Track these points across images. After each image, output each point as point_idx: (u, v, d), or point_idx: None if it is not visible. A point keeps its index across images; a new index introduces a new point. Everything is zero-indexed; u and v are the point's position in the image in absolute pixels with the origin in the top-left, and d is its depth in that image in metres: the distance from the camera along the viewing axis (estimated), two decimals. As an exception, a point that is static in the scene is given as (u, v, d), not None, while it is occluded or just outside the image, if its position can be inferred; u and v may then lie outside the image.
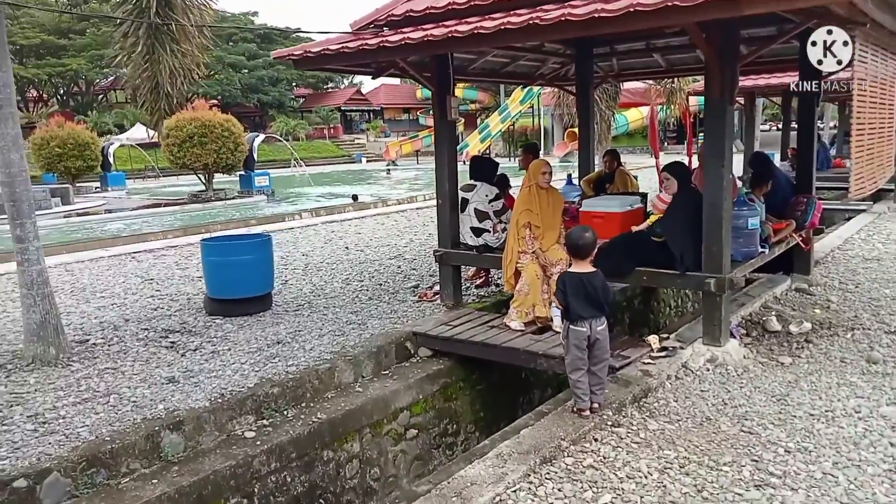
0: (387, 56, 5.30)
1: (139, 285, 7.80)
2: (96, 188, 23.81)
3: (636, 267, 5.16)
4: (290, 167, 33.89)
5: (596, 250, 4.68)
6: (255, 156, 20.28)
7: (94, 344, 5.60)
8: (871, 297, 6.36)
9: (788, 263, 7.00)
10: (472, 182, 6.29)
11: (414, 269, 8.00)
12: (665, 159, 17.03)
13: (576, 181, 8.13)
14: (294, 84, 60.37)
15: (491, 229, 6.03)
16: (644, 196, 6.78)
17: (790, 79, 11.58)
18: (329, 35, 6.05)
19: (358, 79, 71.98)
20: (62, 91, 53.11)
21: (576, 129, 12.57)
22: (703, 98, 19.27)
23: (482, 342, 5.23)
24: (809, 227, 6.69)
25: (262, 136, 22.74)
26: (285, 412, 4.57)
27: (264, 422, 4.46)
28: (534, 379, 6.06)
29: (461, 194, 6.24)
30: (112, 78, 51.94)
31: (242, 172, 20.08)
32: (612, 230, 5.70)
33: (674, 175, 5.26)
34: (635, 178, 7.86)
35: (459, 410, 5.46)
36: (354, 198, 17.54)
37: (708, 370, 4.74)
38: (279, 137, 33.45)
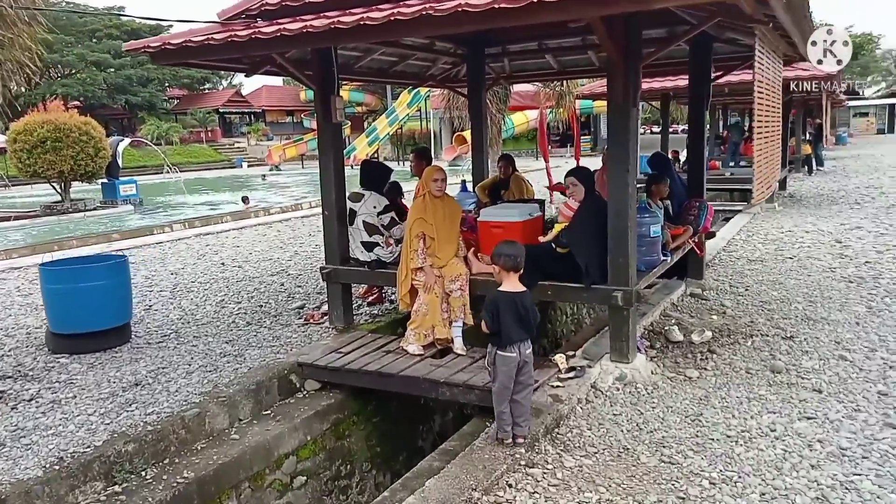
0: (260, 50, 4.64)
1: (-33, 318, 6.61)
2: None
3: (539, 280, 4.81)
4: (162, 173, 31.70)
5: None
6: (120, 162, 18.59)
7: None
8: (761, 300, 6.41)
9: (682, 268, 6.97)
10: (360, 191, 5.73)
11: (299, 287, 7.31)
12: (551, 163, 17.18)
13: (470, 187, 7.76)
14: (167, 84, 56.81)
15: (383, 243, 5.50)
16: (542, 203, 6.50)
17: (671, 83, 11.96)
18: (195, 25, 5.28)
19: (238, 79, 69.20)
20: None
21: (465, 133, 12.35)
22: (587, 102, 19.74)
23: (377, 371, 4.68)
24: (702, 232, 6.67)
25: (127, 141, 20.97)
26: (143, 473, 3.81)
27: (116, 488, 3.68)
28: (434, 404, 5.58)
29: (349, 205, 5.66)
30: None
31: (105, 180, 18.30)
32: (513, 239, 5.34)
33: (581, 181, 4.96)
34: (530, 183, 7.60)
35: (354, 448, 4.88)
36: (245, 199, 16.47)
37: (618, 390, 4.45)
38: (148, 142, 31.11)
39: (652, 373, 4.71)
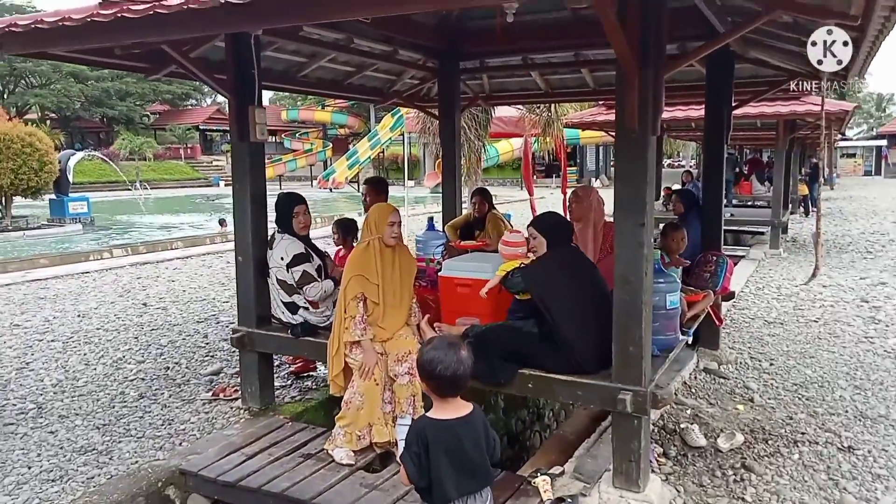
0: (134, 35, 3.33)
1: None
2: None
3: (517, 371, 3.51)
4: (130, 190, 30.22)
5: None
6: (71, 178, 17.09)
7: None
8: (794, 381, 5.15)
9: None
10: (273, 233, 4.40)
11: (224, 342, 5.94)
12: (535, 193, 16.00)
13: (438, 226, 6.48)
14: (148, 99, 55.38)
15: (308, 305, 4.18)
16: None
17: (667, 114, 10.83)
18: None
19: (221, 97, 68.05)
20: None
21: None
22: (572, 131, 18.63)
23: (284, 494, 3.32)
24: (720, 294, 5.42)
25: (80, 155, 19.53)
26: None
27: None
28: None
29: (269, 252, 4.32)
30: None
31: (54, 196, 16.82)
32: (483, 305, 4.05)
33: (542, 232, 3.69)
34: (509, 222, 6.33)
35: None
36: (221, 223, 15.07)
37: (624, 534, 3.14)
38: (102, 156, 29.75)
39: None
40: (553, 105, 10.29)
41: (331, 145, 41.41)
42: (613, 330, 3.27)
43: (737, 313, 7.28)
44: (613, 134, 4.36)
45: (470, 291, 4.15)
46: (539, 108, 10.36)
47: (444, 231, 6.29)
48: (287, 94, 56.80)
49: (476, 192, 6.27)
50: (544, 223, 3.77)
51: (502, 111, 10.98)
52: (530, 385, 3.50)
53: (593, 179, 35.12)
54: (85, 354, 5.59)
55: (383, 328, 3.77)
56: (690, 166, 27.58)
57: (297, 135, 46.09)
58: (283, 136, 53.26)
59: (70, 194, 17.10)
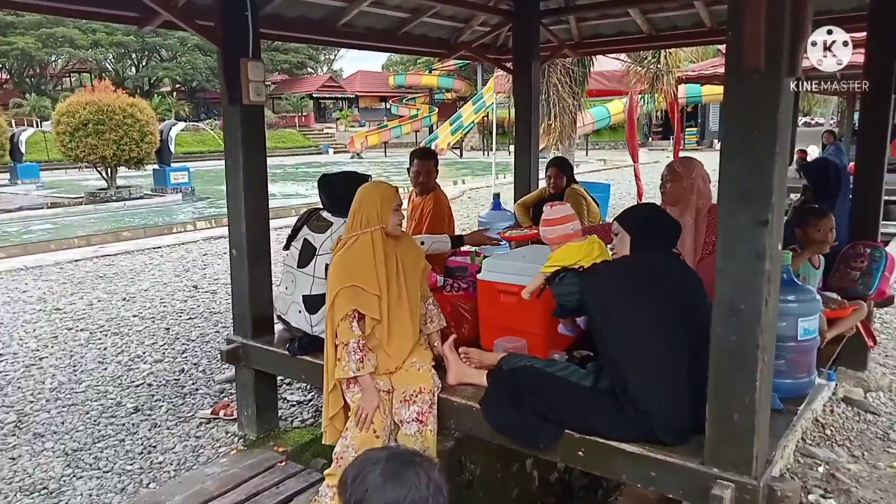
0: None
1: None
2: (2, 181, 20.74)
3: (566, 429, 2.42)
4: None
5: (488, 384, 2.43)
6: (172, 147, 17.31)
7: None
8: None
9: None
10: (325, 216, 3.42)
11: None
12: (648, 158, 14.31)
13: (507, 205, 5.38)
14: (266, 70, 57.05)
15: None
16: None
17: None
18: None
19: (338, 64, 69.12)
20: (15, 72, 49.60)
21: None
22: (693, 87, 16.52)
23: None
24: (875, 299, 3.99)
25: (180, 125, 19.80)
26: None
27: None
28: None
29: (305, 235, 3.36)
30: (67, 59, 48.75)
31: (157, 167, 17.13)
32: (535, 322, 2.97)
33: (628, 228, 2.53)
34: (595, 200, 5.11)
35: None
36: None
37: None
38: (205, 126, 30.58)
39: None
40: (663, 54, 8.73)
41: (437, 110, 40.66)
42: (709, 385, 2.10)
43: (890, 315, 5.66)
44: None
45: (517, 302, 3.08)
46: (648, 59, 8.84)
47: (513, 211, 5.20)
48: (398, 59, 56.90)
49: (551, 162, 5.10)
50: (633, 217, 2.59)
51: (603, 64, 9.53)
52: (581, 453, 2.39)
53: (715, 142, 32.11)
54: (105, 349, 5.05)
55: (390, 355, 2.79)
56: (831, 125, 24.27)
57: (403, 100, 45.67)
58: (391, 102, 53.38)
59: (172, 164, 17.35)
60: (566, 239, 2.77)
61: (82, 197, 15.82)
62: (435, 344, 2.98)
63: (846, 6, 4.62)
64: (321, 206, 3.38)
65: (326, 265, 3.15)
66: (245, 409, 3.56)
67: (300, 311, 3.28)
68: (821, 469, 3.27)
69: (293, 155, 40.51)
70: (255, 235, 3.42)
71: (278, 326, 3.52)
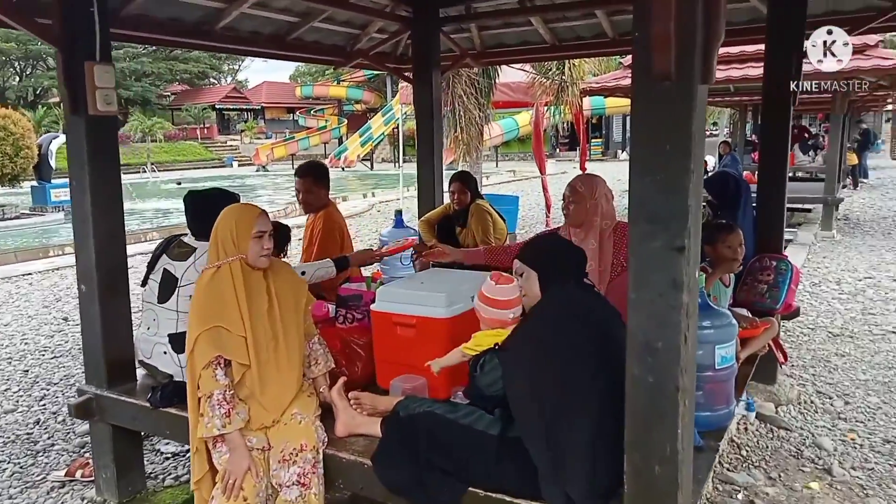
0: None
1: None
2: None
3: (470, 486, 2.10)
4: (138, 173, 29.35)
5: (382, 434, 2.17)
6: (53, 163, 15.94)
7: None
8: (885, 435, 3.67)
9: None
10: (187, 241, 2.97)
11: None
12: (556, 169, 14.39)
13: (411, 221, 5.07)
14: (164, 79, 54.52)
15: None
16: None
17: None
18: None
19: (242, 74, 66.96)
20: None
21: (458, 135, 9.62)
22: (598, 99, 16.88)
23: None
24: (782, 312, 3.93)
25: (62, 138, 18.32)
26: None
27: None
28: None
29: (164, 265, 2.90)
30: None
31: (35, 183, 15.73)
32: (430, 356, 2.64)
33: (532, 265, 2.27)
34: (501, 216, 4.88)
35: None
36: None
37: None
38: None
39: None
40: (567, 66, 8.71)
41: (346, 122, 40.08)
42: (626, 434, 1.84)
43: (791, 322, 5.74)
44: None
45: (415, 335, 2.76)
46: (552, 70, 8.79)
47: (417, 230, 4.89)
48: (305, 69, 55.74)
49: (454, 177, 4.83)
50: (536, 252, 2.35)
51: (508, 76, 9.44)
52: (485, 516, 2.09)
53: (619, 152, 33.27)
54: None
55: (265, 407, 2.39)
56: (726, 135, 25.57)
57: (311, 111, 44.77)
58: (299, 113, 52.21)
59: (53, 180, 15.97)
60: (502, 325, 2.33)
61: (-51, 217, 14.28)
62: (321, 389, 2.60)
63: (741, 18, 4.63)
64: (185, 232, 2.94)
65: (190, 296, 2.72)
66: (103, 470, 3.04)
67: (165, 353, 2.82)
68: (740, 496, 3.12)
69: (196, 168, 38.78)
70: (107, 265, 2.92)
71: (141, 372, 3.04)
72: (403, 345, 2.76)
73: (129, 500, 3.04)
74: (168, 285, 2.76)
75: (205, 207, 2.76)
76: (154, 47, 48.93)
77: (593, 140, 33.44)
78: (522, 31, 5.51)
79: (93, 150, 2.85)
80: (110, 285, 2.95)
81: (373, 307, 2.85)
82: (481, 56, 5.89)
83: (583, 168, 10.65)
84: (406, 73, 5.69)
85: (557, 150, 33.43)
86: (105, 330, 2.94)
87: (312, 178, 4.01)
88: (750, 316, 3.36)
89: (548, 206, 9.29)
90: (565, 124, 17.16)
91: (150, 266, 2.88)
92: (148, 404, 2.78)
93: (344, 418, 2.47)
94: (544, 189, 9.29)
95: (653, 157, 1.73)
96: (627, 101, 17.17)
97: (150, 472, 3.27)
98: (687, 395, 1.80)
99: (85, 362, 3.05)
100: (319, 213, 4.07)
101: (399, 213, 4.88)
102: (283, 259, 4.08)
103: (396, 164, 32.31)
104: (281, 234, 3.92)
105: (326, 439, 2.39)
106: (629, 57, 9.34)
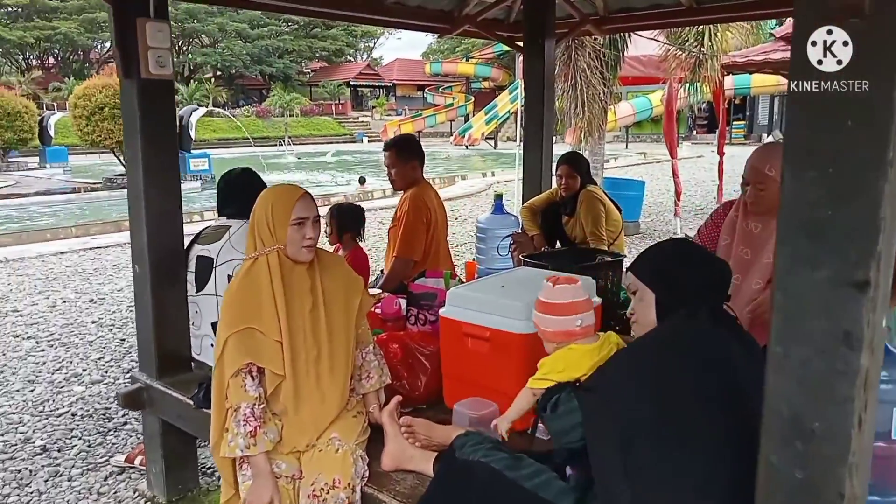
0: None
1: None
2: (28, 165, 20.64)
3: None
4: (276, 146, 30.72)
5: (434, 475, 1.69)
6: (193, 133, 16.83)
7: None
8: None
9: None
10: (219, 223, 2.75)
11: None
12: (691, 152, 13.16)
13: (512, 209, 4.55)
14: (304, 56, 56.96)
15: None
16: (618, 268, 3.15)
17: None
18: None
19: (377, 52, 68.52)
20: (58, 57, 50.49)
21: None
22: (741, 77, 15.19)
23: None
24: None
25: (202, 111, 19.35)
26: None
27: None
28: None
29: (198, 252, 2.70)
30: (111, 44, 49.33)
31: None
32: (506, 378, 2.15)
33: (650, 283, 1.65)
34: (616, 206, 4.24)
35: None
36: (362, 181, 14.76)
37: None
38: (227, 112, 30.53)
39: None
40: (708, 37, 7.71)
41: (473, 99, 39.75)
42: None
43: None
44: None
45: (489, 351, 2.28)
46: (689, 41, 7.83)
47: (518, 216, 4.38)
48: (437, 46, 56.06)
49: (562, 159, 4.25)
50: (657, 264, 1.69)
51: (639, 48, 8.56)
52: None
53: (765, 136, 30.45)
54: (43, 364, 4.41)
55: (299, 427, 2.02)
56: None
57: (440, 89, 44.85)
58: (428, 90, 52.60)
59: (193, 150, 16.88)
60: (569, 338, 1.78)
61: (100, 183, 15.48)
62: (371, 408, 2.19)
63: None
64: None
65: (229, 276, 2.42)
66: (153, 464, 2.84)
67: (212, 345, 2.54)
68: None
69: (329, 143, 40.13)
70: (161, 247, 2.68)
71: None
72: (475, 360, 2.29)
73: (178, 499, 2.82)
74: (204, 270, 2.49)
75: (235, 186, 2.46)
76: (293, 24, 51.13)
77: (734, 122, 30.83)
78: (656, -8, 4.76)
79: (145, 118, 2.61)
80: (164, 268, 2.70)
81: (441, 312, 2.40)
82: (604, 22, 5.17)
83: (720, 153, 9.56)
84: (518, 43, 5.13)
85: (694, 132, 31.23)
86: (157, 315, 2.70)
87: (396, 152, 3.61)
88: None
89: (678, 194, 8.39)
90: (703, 104, 15.69)
91: (185, 261, 2.63)
92: (191, 402, 2.51)
93: (392, 449, 2.05)
94: (674, 174, 8.39)
95: (822, 138, 1.12)
96: (777, 80, 15.29)
97: (206, 468, 3.04)
98: (858, 479, 1.19)
99: (139, 349, 2.84)
100: (407, 192, 3.67)
101: (499, 197, 4.38)
102: (360, 243, 3.74)
103: (519, 143, 31.69)
104: (353, 216, 3.58)
105: (367, 474, 1.98)
106: (783, 26, 8.13)
